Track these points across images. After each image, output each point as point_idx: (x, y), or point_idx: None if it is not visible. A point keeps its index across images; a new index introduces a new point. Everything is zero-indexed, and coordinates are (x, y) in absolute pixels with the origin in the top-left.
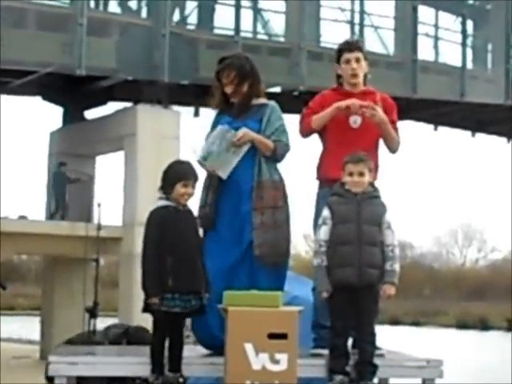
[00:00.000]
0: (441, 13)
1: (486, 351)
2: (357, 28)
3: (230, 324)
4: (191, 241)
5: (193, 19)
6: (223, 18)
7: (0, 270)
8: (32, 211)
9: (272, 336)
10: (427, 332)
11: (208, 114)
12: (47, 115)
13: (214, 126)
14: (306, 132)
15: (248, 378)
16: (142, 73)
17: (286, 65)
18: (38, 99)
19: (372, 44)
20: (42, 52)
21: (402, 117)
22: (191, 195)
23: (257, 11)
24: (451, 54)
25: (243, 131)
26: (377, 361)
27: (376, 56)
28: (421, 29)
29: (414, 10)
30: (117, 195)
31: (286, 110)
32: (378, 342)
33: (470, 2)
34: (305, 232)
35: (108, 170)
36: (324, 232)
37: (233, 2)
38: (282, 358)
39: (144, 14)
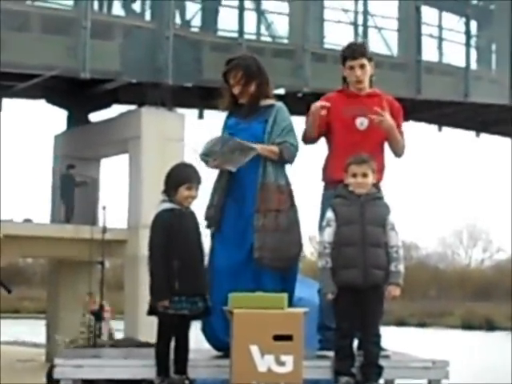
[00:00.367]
0: (444, 13)
1: (491, 352)
2: (360, 29)
3: (235, 326)
4: (196, 243)
5: (197, 21)
6: (227, 20)
7: (5, 274)
8: (37, 214)
9: (277, 338)
10: (433, 333)
11: (213, 116)
12: (52, 118)
13: (223, 128)
14: (306, 141)
15: (254, 380)
16: (146, 75)
17: (289, 66)
18: (42, 102)
19: (376, 45)
20: (46, 55)
21: (406, 118)
22: (195, 198)
23: (260, 13)
24: (455, 55)
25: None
26: (382, 362)
27: (380, 57)
28: (424, 29)
29: (418, 10)
30: (121, 198)
31: (290, 112)
32: (384, 343)
33: (474, 2)
34: (310, 234)
35: (113, 172)
36: (328, 234)
37: (236, 4)
38: (288, 359)
39: (148, 16)
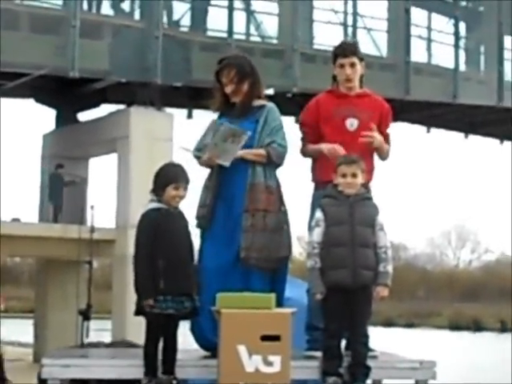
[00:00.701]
0: (433, 15)
1: (479, 352)
2: (350, 30)
3: (223, 326)
4: (183, 243)
5: (186, 21)
6: (216, 20)
7: None
8: (25, 214)
9: (265, 338)
10: (421, 333)
11: (201, 115)
12: (40, 117)
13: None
14: (304, 156)
15: (241, 380)
16: (135, 75)
17: (279, 67)
18: (30, 101)
19: (365, 46)
20: (34, 54)
21: (394, 118)
22: (182, 197)
23: (250, 13)
24: (444, 56)
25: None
26: (370, 362)
27: (369, 58)
28: (413, 31)
29: (407, 11)
30: (110, 197)
31: (279, 112)
32: (372, 344)
33: (463, 4)
34: (298, 234)
35: (101, 172)
36: (317, 234)
37: (226, 4)
38: (275, 359)
39: (137, 16)
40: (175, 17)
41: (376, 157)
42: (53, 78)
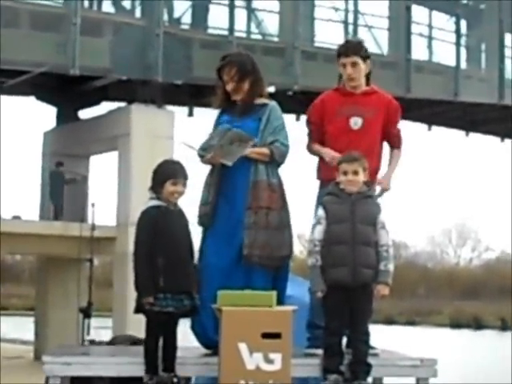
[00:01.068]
0: (434, 12)
1: (479, 350)
2: (351, 28)
3: (224, 324)
4: (182, 241)
5: (187, 19)
6: (217, 18)
7: None
8: (26, 211)
9: (266, 336)
10: (421, 331)
11: (202, 113)
12: (41, 115)
13: (215, 126)
14: (311, 154)
15: (242, 378)
16: (136, 72)
17: (280, 64)
18: (31, 99)
19: (366, 44)
20: (35, 52)
21: None
22: (181, 194)
23: (251, 11)
24: (445, 54)
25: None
26: (371, 360)
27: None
28: (414, 28)
29: (408, 9)
30: (111, 195)
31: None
32: (373, 342)
33: (464, 1)
34: (298, 232)
35: (102, 170)
36: (318, 231)
37: (227, 2)
38: (276, 357)
39: (138, 13)
40: (176, 14)
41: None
42: (53, 75)
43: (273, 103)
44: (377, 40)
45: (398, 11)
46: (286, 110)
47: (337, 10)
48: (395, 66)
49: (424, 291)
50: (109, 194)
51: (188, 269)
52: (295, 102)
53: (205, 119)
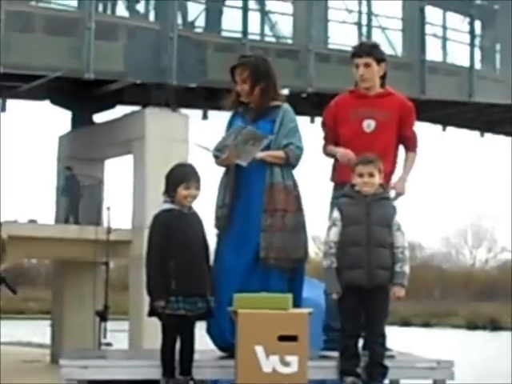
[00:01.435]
0: (448, 13)
1: (496, 351)
2: (364, 29)
3: (240, 327)
4: (196, 243)
5: (200, 22)
6: (231, 21)
7: (9, 274)
8: (42, 215)
9: (282, 338)
10: (438, 333)
11: (217, 116)
12: (56, 119)
13: (228, 128)
14: (326, 156)
15: (258, 381)
16: (150, 76)
17: (293, 67)
18: (46, 103)
19: (380, 45)
20: (50, 56)
21: None
22: (195, 197)
23: (264, 13)
24: (459, 55)
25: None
26: (387, 362)
27: None
28: (428, 29)
29: (422, 10)
30: (126, 199)
31: (294, 112)
32: (389, 344)
33: (478, 2)
34: (314, 234)
35: (117, 173)
36: (334, 233)
37: (240, 5)
38: (293, 360)
39: (152, 17)
40: (190, 18)
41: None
42: (68, 79)
43: (286, 105)
44: (391, 41)
45: (412, 12)
46: (300, 113)
47: (350, 11)
48: (409, 68)
49: (440, 293)
50: (124, 198)
51: (201, 271)
52: (309, 104)
53: (219, 122)
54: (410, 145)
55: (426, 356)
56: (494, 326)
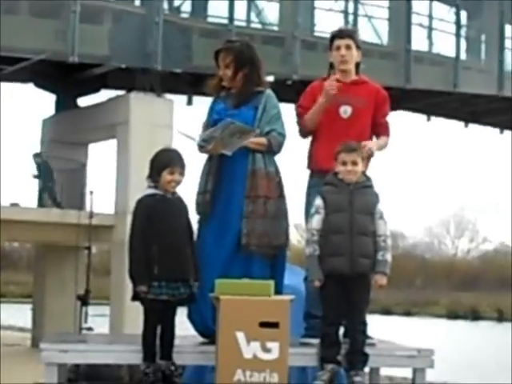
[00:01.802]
0: (434, 3)
1: (476, 341)
2: (351, 17)
3: (221, 313)
4: (179, 229)
5: (186, 7)
6: (217, 7)
7: None
8: (24, 198)
9: (263, 325)
10: (418, 322)
11: (201, 102)
12: (40, 102)
13: (209, 113)
14: (304, 134)
15: (239, 367)
16: (135, 61)
17: (279, 54)
18: (30, 86)
19: (366, 34)
20: (34, 39)
21: (394, 107)
22: (179, 182)
23: (251, 0)
24: (445, 45)
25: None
26: (368, 350)
27: (369, 46)
28: (414, 19)
29: (408, 0)
30: (109, 183)
31: (279, 99)
32: (370, 332)
33: None
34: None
35: (100, 157)
36: (316, 221)
37: None
38: (274, 346)
39: (137, 1)
40: (176, 3)
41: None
42: (52, 62)
43: (268, 91)
44: (377, 30)
45: (398, 1)
46: (285, 100)
47: None
48: (395, 57)
49: (421, 282)
50: (107, 182)
51: (184, 256)
52: (294, 91)
53: (204, 108)
54: (383, 130)
55: (407, 344)
56: (475, 315)
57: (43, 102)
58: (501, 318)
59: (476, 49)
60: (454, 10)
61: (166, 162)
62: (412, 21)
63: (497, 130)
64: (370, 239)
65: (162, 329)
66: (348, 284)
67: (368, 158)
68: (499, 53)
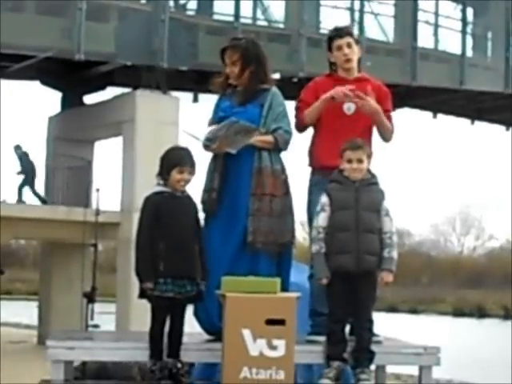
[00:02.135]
0: (441, 0)
1: (482, 339)
2: (357, 15)
3: (227, 310)
4: (186, 227)
5: (192, 5)
6: (223, 4)
7: None
8: (30, 196)
9: (270, 322)
10: (424, 319)
11: (207, 99)
12: (46, 100)
13: (215, 110)
14: (301, 128)
15: (245, 364)
16: (141, 58)
17: (285, 51)
18: (36, 84)
19: (372, 31)
20: (41, 36)
21: (401, 104)
22: (188, 181)
23: None
24: (451, 42)
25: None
26: (374, 348)
27: (376, 43)
28: (421, 16)
29: None
30: (115, 181)
31: (285, 97)
32: (376, 329)
33: None
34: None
35: (106, 155)
36: (322, 218)
37: None
38: (280, 344)
39: None
40: (182, 0)
41: (376, 141)
42: (59, 60)
43: (274, 89)
44: (383, 27)
45: None
46: (290, 97)
47: None
48: (401, 54)
49: (427, 279)
50: (113, 180)
51: (191, 254)
52: (300, 88)
53: (210, 105)
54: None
55: (413, 342)
56: (481, 313)
57: (49, 100)
58: (507, 315)
59: (482, 46)
60: (460, 7)
61: (176, 160)
62: (418, 18)
63: (503, 127)
64: (376, 236)
65: (171, 327)
66: (354, 281)
67: (368, 157)
68: (506, 50)
